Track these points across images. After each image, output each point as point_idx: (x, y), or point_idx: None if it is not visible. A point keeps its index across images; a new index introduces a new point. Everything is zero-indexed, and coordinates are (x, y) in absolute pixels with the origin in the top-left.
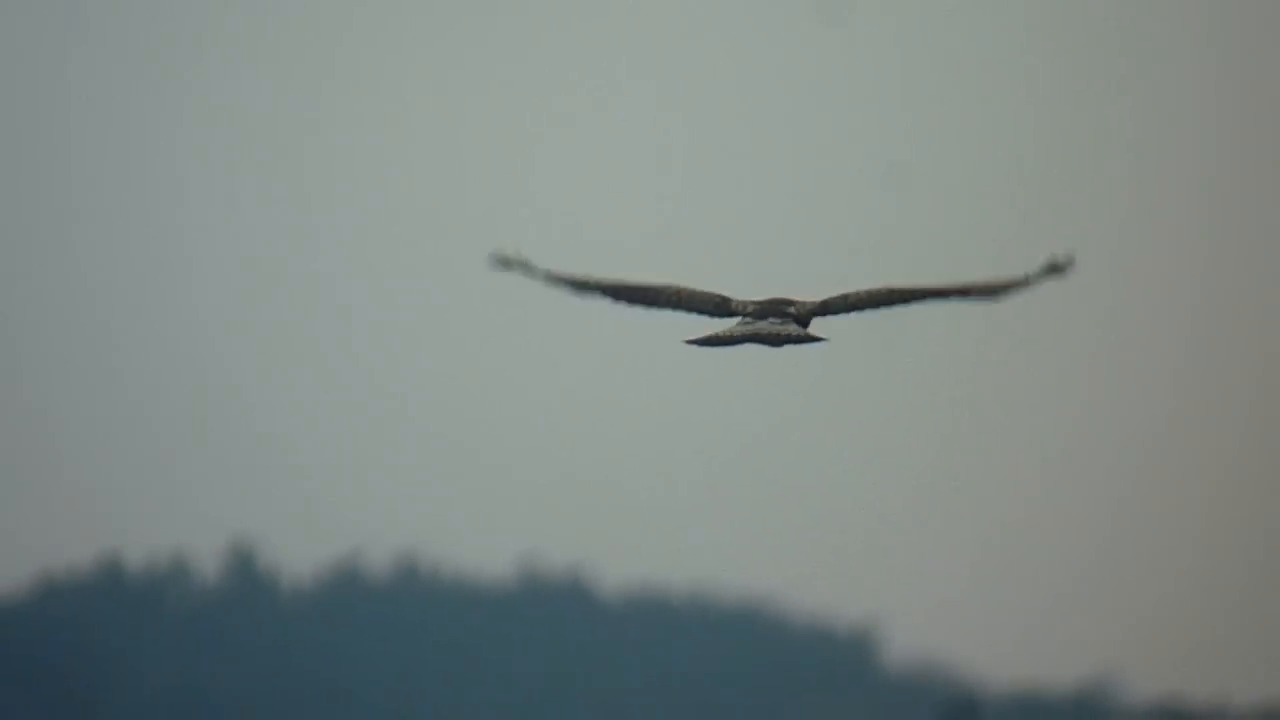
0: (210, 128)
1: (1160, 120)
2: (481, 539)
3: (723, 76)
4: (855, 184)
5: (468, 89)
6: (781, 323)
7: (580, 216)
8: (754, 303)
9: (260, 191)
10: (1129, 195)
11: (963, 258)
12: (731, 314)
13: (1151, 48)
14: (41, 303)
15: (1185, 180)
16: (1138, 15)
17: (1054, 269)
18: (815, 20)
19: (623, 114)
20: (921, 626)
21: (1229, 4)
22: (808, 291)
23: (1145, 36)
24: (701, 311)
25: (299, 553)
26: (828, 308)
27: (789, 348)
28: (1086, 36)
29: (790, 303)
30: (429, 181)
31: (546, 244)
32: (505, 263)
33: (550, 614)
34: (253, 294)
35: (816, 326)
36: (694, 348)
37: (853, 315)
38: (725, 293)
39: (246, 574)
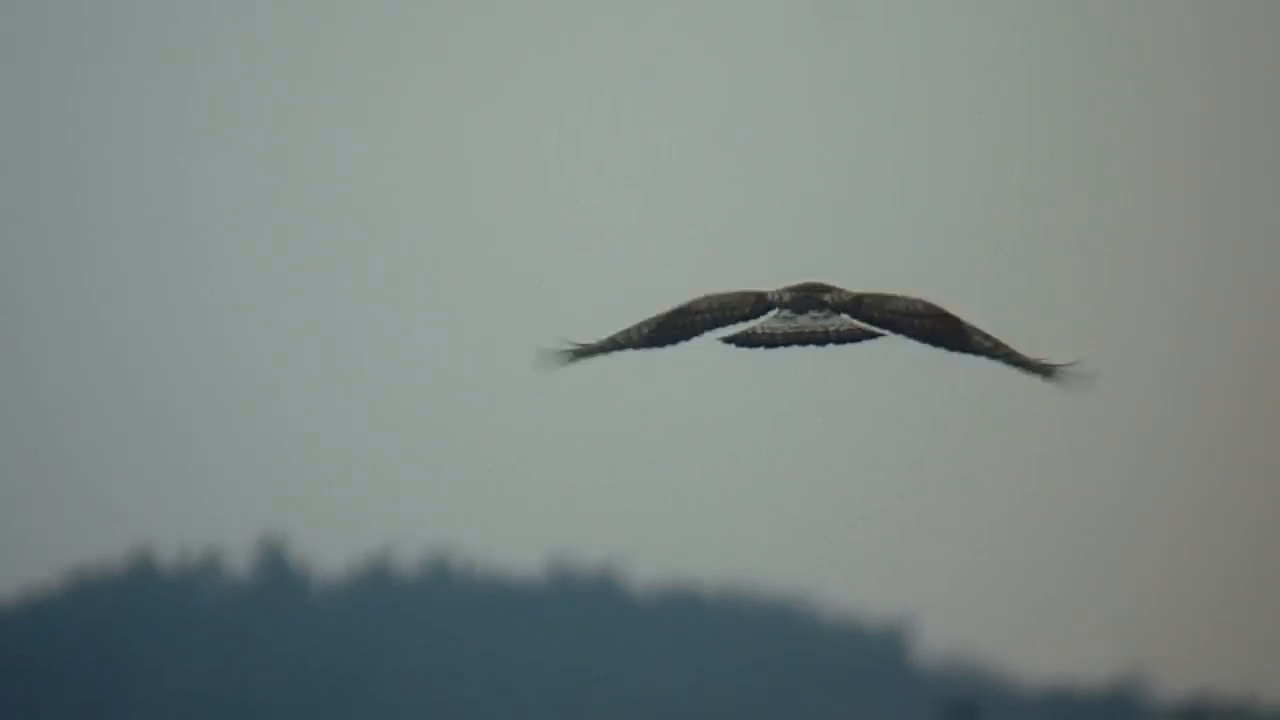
0: (239, 142)
1: (1163, 115)
2: (512, 536)
3: (719, 75)
4: (854, 182)
5: (471, 88)
6: (825, 316)
7: (578, 216)
8: (789, 290)
9: (285, 190)
10: (1129, 190)
11: (964, 255)
12: (768, 307)
13: (1152, 42)
14: (72, 301)
15: (1188, 175)
16: (1138, 11)
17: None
18: (813, 19)
19: (620, 114)
20: (952, 623)
21: (1230, 4)
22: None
23: (1146, 31)
24: (740, 317)
25: (330, 550)
26: (861, 304)
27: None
28: (1086, 31)
29: (826, 289)
30: (448, 184)
31: (543, 241)
32: (570, 355)
33: (581, 612)
34: (285, 292)
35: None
36: (731, 347)
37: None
38: (758, 288)
39: (277, 571)
